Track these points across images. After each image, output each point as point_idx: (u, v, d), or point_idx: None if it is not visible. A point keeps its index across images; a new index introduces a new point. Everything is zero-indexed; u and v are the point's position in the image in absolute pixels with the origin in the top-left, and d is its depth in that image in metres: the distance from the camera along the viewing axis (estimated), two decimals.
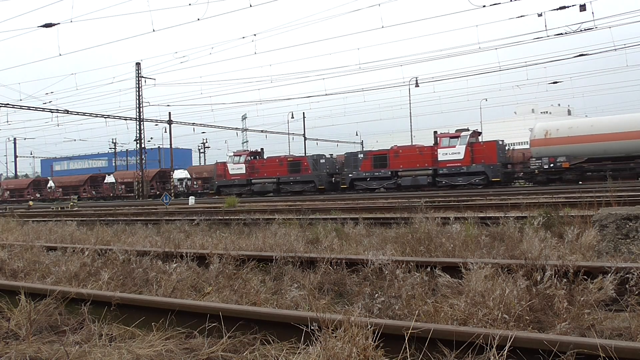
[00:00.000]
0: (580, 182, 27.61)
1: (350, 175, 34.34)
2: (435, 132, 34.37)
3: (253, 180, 38.30)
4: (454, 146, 30.96)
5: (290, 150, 60.06)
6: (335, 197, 26.70)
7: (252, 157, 39.78)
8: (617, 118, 29.98)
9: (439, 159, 31.48)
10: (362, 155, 35.40)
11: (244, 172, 38.61)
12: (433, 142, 33.07)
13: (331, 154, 39.58)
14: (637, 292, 3.95)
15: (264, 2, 24.84)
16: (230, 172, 39.37)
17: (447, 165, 31.03)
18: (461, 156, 30.60)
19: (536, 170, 29.05)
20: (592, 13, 44.69)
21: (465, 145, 30.60)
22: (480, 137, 32.87)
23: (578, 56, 29.53)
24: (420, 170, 31.96)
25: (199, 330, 3.83)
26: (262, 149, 42.72)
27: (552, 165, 28.49)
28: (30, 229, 12.98)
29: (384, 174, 33.26)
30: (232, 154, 41.49)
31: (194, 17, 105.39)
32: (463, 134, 31.34)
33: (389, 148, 35.13)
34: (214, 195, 39.03)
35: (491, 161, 30.06)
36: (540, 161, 28.76)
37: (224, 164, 40.69)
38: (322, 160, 37.03)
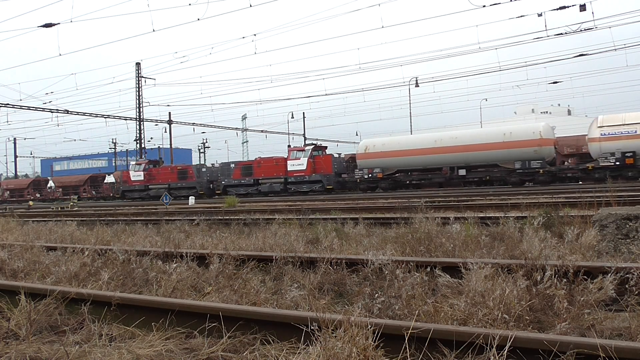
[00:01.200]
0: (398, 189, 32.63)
1: (223, 182, 39.74)
2: (288, 146, 40.78)
3: (150, 186, 43.57)
4: (299, 159, 36.60)
5: None
6: (335, 197, 26.73)
7: (150, 166, 45.48)
8: (418, 136, 36.43)
9: (289, 169, 36.85)
10: (233, 165, 41.35)
11: (143, 178, 44.24)
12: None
13: (212, 163, 46.43)
14: (637, 292, 3.95)
15: (264, 2, 24.86)
16: (132, 179, 44.84)
17: (294, 174, 36.54)
18: (304, 167, 36.12)
19: (358, 179, 34.53)
20: (592, 13, 44.77)
21: (307, 158, 36.13)
22: (324, 151, 38.08)
23: (578, 56, 29.56)
24: (275, 179, 37.43)
25: (199, 330, 3.83)
26: (161, 158, 50.85)
27: (370, 175, 33.84)
28: (30, 229, 12.98)
29: (249, 182, 38.81)
30: (134, 162, 48.04)
31: (194, 17, 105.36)
32: (307, 148, 37.21)
33: (254, 159, 42.20)
34: (121, 199, 44.82)
35: (327, 172, 35.76)
36: (362, 172, 34.21)
37: (129, 171, 46.79)
38: (204, 169, 43.44)
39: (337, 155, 37.65)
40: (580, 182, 27.72)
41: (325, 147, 39.20)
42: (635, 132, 26.91)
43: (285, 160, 37.54)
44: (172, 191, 40.33)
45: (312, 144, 38.57)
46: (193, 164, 50.23)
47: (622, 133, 27.12)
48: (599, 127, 28.47)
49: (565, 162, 31.59)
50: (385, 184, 33.72)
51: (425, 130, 50.14)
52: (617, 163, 27.31)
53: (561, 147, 32.27)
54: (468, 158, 31.03)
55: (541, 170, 29.29)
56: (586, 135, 29.63)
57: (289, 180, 36.64)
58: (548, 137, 30.04)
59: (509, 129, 31.72)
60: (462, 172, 31.46)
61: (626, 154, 26.87)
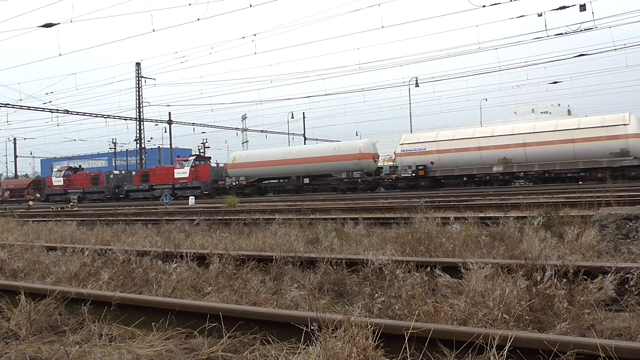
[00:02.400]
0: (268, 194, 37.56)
1: (125, 187, 45.00)
2: (177, 157, 47.72)
3: (69, 190, 47.61)
4: (184, 167, 42.07)
5: None
6: (335, 197, 26.74)
7: (70, 172, 50.08)
8: (274, 150, 41.91)
9: (175, 177, 42.24)
10: (134, 173, 47.48)
11: (63, 184, 48.86)
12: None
13: (120, 171, 52.78)
14: (637, 292, 3.95)
15: (264, 2, 24.86)
16: (54, 184, 49.56)
17: (180, 181, 42.09)
18: (187, 175, 41.58)
19: (227, 186, 39.65)
20: (592, 13, 44.78)
21: (190, 167, 41.65)
22: (207, 161, 43.60)
23: (578, 56, 29.61)
24: (165, 185, 42.10)
25: (199, 330, 3.83)
26: (80, 166, 57.01)
27: (237, 182, 39.07)
28: (30, 229, 12.98)
29: (145, 187, 43.56)
30: (56, 169, 53.28)
31: (194, 17, 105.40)
32: (190, 159, 43.34)
33: (150, 168, 48.59)
34: (46, 202, 48.94)
35: (206, 179, 41.03)
36: (232, 179, 39.79)
37: (51, 177, 51.51)
38: (112, 176, 48.33)
39: (215, 165, 44.47)
40: (581, 182, 27.78)
41: (209, 158, 45.54)
42: (425, 149, 32.15)
43: (174, 169, 43.31)
44: (86, 194, 46.59)
45: (196, 155, 44.94)
46: (105, 171, 55.87)
47: (415, 150, 32.49)
48: (400, 144, 33.80)
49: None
50: (248, 190, 38.63)
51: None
52: (413, 174, 32.52)
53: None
54: (309, 169, 36.50)
55: (360, 180, 34.55)
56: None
57: (176, 186, 41.98)
58: (367, 152, 35.21)
59: (338, 144, 37.81)
60: (307, 180, 36.97)
61: (419, 167, 32.19)
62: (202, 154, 46.55)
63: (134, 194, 44.01)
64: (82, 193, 46.41)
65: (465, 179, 31.38)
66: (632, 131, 26.43)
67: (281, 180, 38.67)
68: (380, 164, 40.16)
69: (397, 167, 34.38)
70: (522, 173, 29.31)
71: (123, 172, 52.04)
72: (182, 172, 41.94)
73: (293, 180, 37.39)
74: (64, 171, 50.14)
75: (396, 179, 33.11)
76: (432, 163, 31.66)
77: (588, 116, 37.36)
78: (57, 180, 49.32)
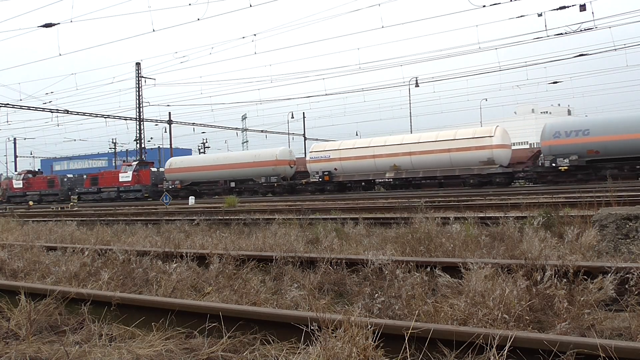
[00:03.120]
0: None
1: (77, 190, 48.46)
2: (123, 161, 51.52)
3: (27, 193, 51.13)
4: (127, 172, 45.29)
5: None
6: (335, 198, 26.75)
7: (29, 175, 53.29)
8: (205, 156, 49.23)
9: (120, 180, 45.50)
10: (85, 176, 51.16)
11: (22, 186, 52.28)
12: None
13: (74, 175, 56.09)
14: (637, 292, 3.95)
15: (264, 2, 24.86)
16: (14, 186, 53.01)
17: (124, 184, 45.16)
18: (130, 179, 44.84)
19: (165, 189, 40.94)
20: (592, 13, 44.81)
21: (132, 172, 44.96)
22: (150, 166, 47.01)
23: (578, 56, 29.59)
24: (111, 188, 45.77)
25: (199, 330, 3.83)
26: (39, 169, 60.72)
27: (173, 186, 42.45)
28: (30, 229, 12.98)
29: (94, 190, 47.05)
30: (17, 172, 57.76)
31: (194, 17, 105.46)
32: (133, 164, 46.70)
33: (99, 172, 52.86)
34: (7, 203, 51.26)
35: (147, 182, 44.52)
36: (169, 182, 42.98)
37: (12, 180, 55.48)
38: (66, 179, 51.72)
39: (155, 170, 47.19)
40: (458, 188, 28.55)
41: (151, 163, 49.20)
42: (330, 157, 35.73)
43: (119, 173, 46.81)
44: (43, 197, 49.83)
45: (138, 160, 48.31)
46: (60, 175, 59.10)
47: (322, 157, 36.08)
48: (310, 152, 37.92)
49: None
50: (183, 193, 41.33)
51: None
52: (320, 179, 35.71)
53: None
54: (233, 174, 40.02)
55: (276, 184, 38.03)
56: None
57: (120, 189, 45.26)
58: (283, 158, 38.62)
59: (258, 152, 41.04)
60: (232, 184, 40.40)
61: (325, 172, 35.64)
62: (144, 159, 49.57)
63: (84, 196, 47.63)
64: (39, 195, 50.22)
65: (363, 183, 35.35)
66: (497, 142, 30.10)
67: (211, 184, 42.23)
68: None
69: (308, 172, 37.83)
70: (411, 178, 33.23)
71: (76, 176, 55.78)
72: (125, 176, 45.43)
73: (221, 183, 41.24)
74: (23, 174, 53.91)
75: (306, 183, 36.94)
76: (335, 169, 35.59)
77: (587, 116, 37.45)
78: (17, 183, 53.02)
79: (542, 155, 30.23)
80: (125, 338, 3.92)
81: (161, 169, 47.07)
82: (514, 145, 34.64)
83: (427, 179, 32.61)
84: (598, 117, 36.90)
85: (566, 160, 28.84)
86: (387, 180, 33.25)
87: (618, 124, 28.45)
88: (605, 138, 27.89)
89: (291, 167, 38.93)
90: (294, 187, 37.76)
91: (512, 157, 32.09)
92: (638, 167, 27.86)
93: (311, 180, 36.24)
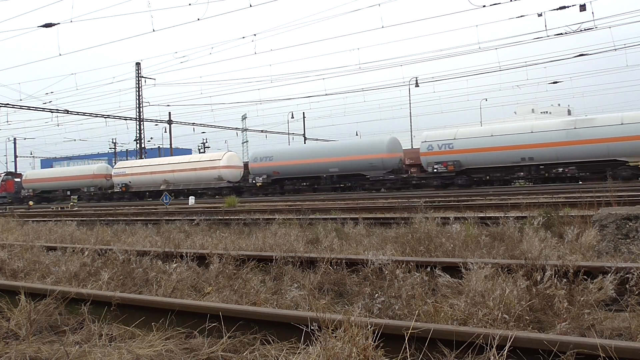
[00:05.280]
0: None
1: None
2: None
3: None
4: None
5: None
6: (335, 197, 26.76)
7: (8, 177, 56.72)
8: (51, 170, 56.28)
9: None
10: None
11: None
12: None
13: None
14: (637, 292, 3.95)
15: (264, 2, 24.87)
16: None
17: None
18: None
19: (22, 197, 50.40)
20: (592, 13, 44.90)
21: (0, 181, 52.02)
22: (17, 177, 53.85)
23: (578, 56, 29.64)
24: None
25: (199, 330, 3.83)
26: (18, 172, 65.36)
27: (28, 193, 49.92)
28: (30, 229, 12.98)
29: None
30: None
31: (194, 17, 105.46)
32: (1, 174, 53.96)
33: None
34: None
35: (11, 191, 51.59)
36: (25, 190, 50.61)
37: None
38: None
39: (18, 180, 53.18)
40: (580, 182, 27.89)
41: (19, 175, 55.22)
42: (126, 172, 45.82)
43: None
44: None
45: (6, 172, 56.42)
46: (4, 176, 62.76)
47: (121, 173, 45.48)
48: (115, 168, 47.36)
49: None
50: (35, 199, 47.97)
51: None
52: (120, 189, 44.77)
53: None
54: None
55: (92, 193, 46.22)
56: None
57: None
58: (100, 173, 46.49)
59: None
60: (69, 192, 47.20)
61: (123, 184, 44.85)
62: (12, 171, 58.67)
63: None
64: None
65: (147, 193, 43.62)
66: (223, 164, 40.30)
67: (152, 189, 46.63)
68: None
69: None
70: (177, 189, 41.52)
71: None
72: None
73: (60, 192, 49.43)
74: (2, 177, 58.63)
75: (111, 192, 46.05)
76: (130, 182, 44.45)
77: (587, 116, 37.40)
78: None
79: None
80: (125, 338, 3.92)
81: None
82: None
83: (188, 190, 41.74)
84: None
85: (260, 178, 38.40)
86: (160, 190, 41.77)
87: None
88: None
89: (107, 180, 46.84)
90: (106, 195, 46.35)
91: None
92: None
93: (115, 190, 45.40)
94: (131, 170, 44.77)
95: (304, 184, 37.11)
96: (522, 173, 29.88)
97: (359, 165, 34.07)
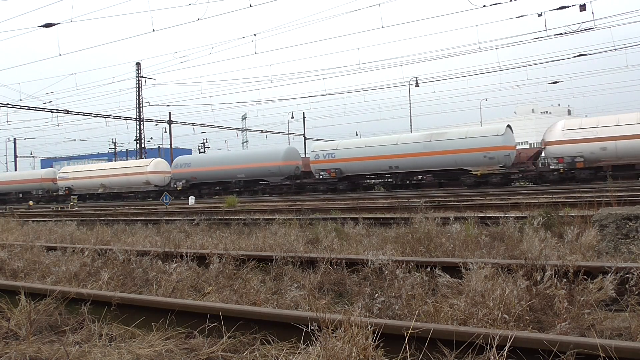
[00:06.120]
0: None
1: None
2: None
3: None
4: None
5: None
6: (335, 197, 26.77)
7: None
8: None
9: None
10: None
11: None
12: None
13: None
14: (637, 292, 3.95)
15: (264, 2, 24.87)
16: None
17: None
18: None
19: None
20: (592, 13, 44.74)
21: None
22: None
23: (578, 56, 29.62)
24: None
25: (199, 330, 3.83)
26: None
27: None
28: (30, 229, 12.98)
29: None
30: None
31: (194, 17, 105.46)
32: None
33: None
34: None
35: None
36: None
37: None
38: None
39: None
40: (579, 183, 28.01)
41: None
42: (68, 177, 48.97)
43: None
44: None
45: None
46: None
47: (65, 177, 48.86)
48: (59, 172, 50.39)
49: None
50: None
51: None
52: (64, 192, 48.03)
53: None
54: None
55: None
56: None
57: None
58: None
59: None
60: (20, 194, 50.57)
61: (67, 187, 48.41)
62: None
63: None
64: None
65: (87, 195, 46.94)
66: (150, 170, 43.48)
67: (10, 194, 51.36)
68: None
69: None
70: (112, 193, 45.63)
71: None
72: None
73: (13, 195, 51.85)
74: None
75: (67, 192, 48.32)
76: (72, 186, 47.52)
77: (588, 116, 37.48)
78: None
79: None
80: (125, 338, 3.92)
81: None
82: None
83: (122, 193, 45.02)
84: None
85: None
86: (99, 193, 46.47)
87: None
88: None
89: (54, 184, 50.06)
90: (52, 197, 49.80)
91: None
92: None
93: (60, 192, 48.53)
94: (73, 175, 48.73)
95: (217, 187, 40.65)
96: (390, 179, 34.05)
97: (260, 172, 38.20)
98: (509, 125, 31.23)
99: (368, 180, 34.96)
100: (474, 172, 30.42)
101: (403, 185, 33.41)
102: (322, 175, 35.34)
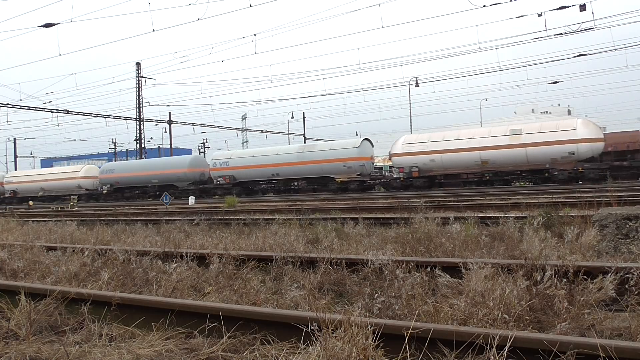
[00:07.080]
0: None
1: None
2: None
3: None
4: None
5: None
6: (335, 198, 26.77)
7: None
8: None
9: None
10: None
11: None
12: None
13: None
14: (637, 292, 3.95)
15: (264, 2, 24.86)
16: None
17: None
18: None
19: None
20: (592, 13, 44.56)
21: None
22: None
23: (578, 56, 29.61)
24: None
25: (199, 330, 3.83)
26: None
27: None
28: (30, 229, 12.98)
29: None
30: None
31: (194, 17, 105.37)
32: None
33: None
34: None
35: None
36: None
37: None
38: None
39: None
40: (580, 182, 28.03)
41: None
42: (13, 181, 52.01)
43: None
44: None
45: None
46: None
47: (10, 182, 52.78)
48: (5, 177, 54.19)
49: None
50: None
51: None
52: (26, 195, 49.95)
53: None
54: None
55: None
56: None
57: None
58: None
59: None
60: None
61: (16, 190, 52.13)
62: None
63: None
64: None
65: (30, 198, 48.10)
66: (82, 175, 47.30)
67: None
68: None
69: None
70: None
71: None
72: None
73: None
74: None
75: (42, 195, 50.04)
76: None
77: (587, 116, 37.55)
78: None
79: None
80: (125, 338, 3.92)
81: None
82: None
83: (57, 195, 47.57)
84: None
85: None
86: (38, 195, 48.25)
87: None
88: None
89: (2, 187, 52.19)
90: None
91: None
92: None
93: (6, 195, 50.85)
94: (17, 179, 52.88)
95: (136, 192, 44.39)
96: (274, 185, 38.97)
97: (170, 178, 42.33)
98: (367, 139, 35.98)
99: (258, 186, 39.93)
100: (336, 179, 35.14)
101: (286, 190, 38.37)
102: (219, 181, 40.19)
